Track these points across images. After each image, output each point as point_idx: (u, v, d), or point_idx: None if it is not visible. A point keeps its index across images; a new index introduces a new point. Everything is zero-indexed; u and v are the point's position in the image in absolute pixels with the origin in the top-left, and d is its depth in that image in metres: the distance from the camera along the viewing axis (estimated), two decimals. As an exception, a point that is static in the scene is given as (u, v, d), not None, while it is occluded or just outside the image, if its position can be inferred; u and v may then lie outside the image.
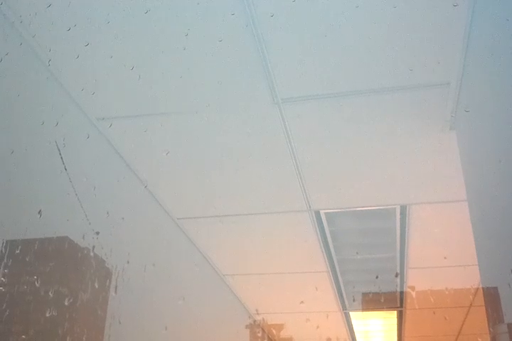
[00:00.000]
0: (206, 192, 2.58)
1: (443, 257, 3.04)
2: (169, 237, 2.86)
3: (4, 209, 1.64)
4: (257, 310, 4.05)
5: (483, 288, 2.48)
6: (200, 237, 2.97)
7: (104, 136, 2.17)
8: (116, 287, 2.16)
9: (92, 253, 2.03)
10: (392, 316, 4.01)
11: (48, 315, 1.79)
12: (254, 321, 4.20)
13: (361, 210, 2.70)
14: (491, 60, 1.59)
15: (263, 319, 4.20)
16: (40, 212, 1.73)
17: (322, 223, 2.78)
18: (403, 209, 2.63)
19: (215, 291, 3.52)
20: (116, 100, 2.02)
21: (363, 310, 3.94)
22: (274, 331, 4.38)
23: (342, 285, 3.54)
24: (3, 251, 1.68)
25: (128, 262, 2.26)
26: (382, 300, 3.71)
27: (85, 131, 2.11)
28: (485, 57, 1.64)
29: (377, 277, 3.30)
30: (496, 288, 1.80)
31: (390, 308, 3.86)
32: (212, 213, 2.74)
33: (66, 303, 1.88)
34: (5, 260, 1.69)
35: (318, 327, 4.11)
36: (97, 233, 2.00)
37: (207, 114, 2.08)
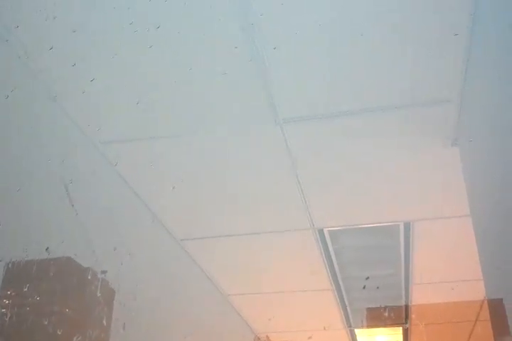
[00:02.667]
0: (209, 213, 2.58)
1: (447, 272, 3.03)
2: (172, 258, 2.85)
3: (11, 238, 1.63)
4: (261, 329, 4.03)
5: (488, 302, 2.47)
6: (203, 258, 2.96)
7: (106, 158, 2.18)
8: (120, 309, 2.15)
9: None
10: (397, 332, 3.98)
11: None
12: (259, 339, 4.17)
13: (365, 227, 2.69)
14: (491, 77, 1.61)
15: (267, 337, 4.17)
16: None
17: (326, 241, 2.78)
18: (407, 226, 2.63)
19: (220, 311, 3.50)
20: (121, 124, 2.03)
21: (368, 326, 3.92)
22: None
23: (347, 303, 3.52)
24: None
25: (131, 284, 2.24)
26: (387, 317, 3.69)
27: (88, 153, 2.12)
28: (485, 73, 1.66)
29: (378, 293, 3.29)
30: (501, 301, 1.80)
31: (395, 324, 3.83)
32: (215, 233, 2.73)
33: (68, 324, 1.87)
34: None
35: (323, 344, 4.08)
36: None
37: (209, 136, 2.09)
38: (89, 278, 2.02)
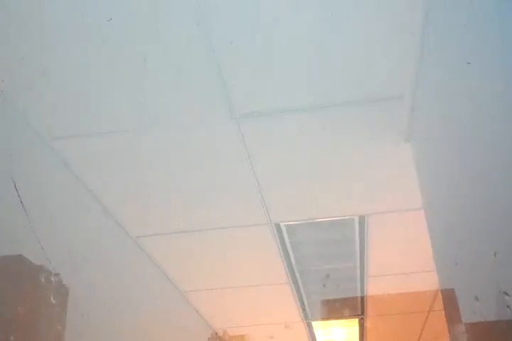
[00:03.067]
0: (164, 209, 2.55)
1: (402, 264, 3.09)
2: (128, 255, 2.81)
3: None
4: (219, 324, 4.03)
5: (441, 292, 2.53)
6: (159, 254, 2.93)
7: (58, 155, 2.12)
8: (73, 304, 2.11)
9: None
10: (354, 324, 4.05)
11: None
12: (216, 334, 4.17)
13: (321, 221, 2.72)
14: (443, 74, 1.64)
15: (225, 332, 4.17)
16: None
17: (282, 235, 2.79)
18: (361, 219, 2.67)
19: (177, 307, 3.48)
20: (69, 119, 1.97)
21: (325, 319, 3.97)
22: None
23: (304, 296, 3.55)
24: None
25: (85, 281, 2.20)
26: (343, 309, 3.75)
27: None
28: (438, 71, 1.69)
29: (334, 286, 3.33)
30: (452, 290, 1.85)
31: (352, 316, 3.89)
32: (171, 230, 2.71)
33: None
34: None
35: (282, 338, 4.11)
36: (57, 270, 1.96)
37: (164, 131, 2.06)
38: (41, 276, 1.97)
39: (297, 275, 3.26)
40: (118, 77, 1.80)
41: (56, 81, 1.80)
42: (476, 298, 1.52)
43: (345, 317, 3.90)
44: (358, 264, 3.11)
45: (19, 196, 1.85)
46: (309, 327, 4.11)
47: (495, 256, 1.31)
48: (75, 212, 2.28)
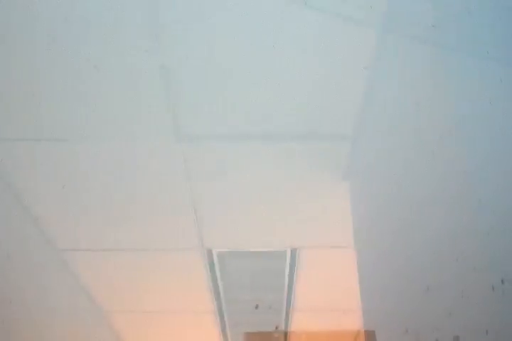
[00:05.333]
0: (96, 224, 2.48)
1: (328, 301, 3.10)
2: (49, 268, 2.70)
3: None
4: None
5: (364, 333, 2.55)
6: (84, 271, 2.83)
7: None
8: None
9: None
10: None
11: None
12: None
13: (253, 251, 2.71)
14: (389, 114, 1.69)
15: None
16: None
17: (213, 262, 2.76)
18: (293, 252, 2.67)
19: (95, 327, 3.35)
20: (6, 122, 1.91)
21: (247, 351, 3.91)
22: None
23: (227, 326, 3.50)
24: None
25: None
26: (266, 342, 3.70)
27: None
28: (384, 110, 1.74)
29: (260, 318, 3.30)
30: (373, 333, 1.86)
31: (274, 350, 3.85)
32: (100, 246, 2.63)
33: None
34: None
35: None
36: None
37: (104, 143, 2.02)
38: None
39: (223, 303, 3.21)
40: (65, 82, 1.76)
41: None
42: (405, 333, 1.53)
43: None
44: (284, 296, 3.10)
45: None
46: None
47: (427, 291, 1.33)
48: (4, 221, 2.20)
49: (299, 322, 3.44)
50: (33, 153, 2.04)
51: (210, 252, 2.68)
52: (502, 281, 1.03)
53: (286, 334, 3.61)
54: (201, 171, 2.16)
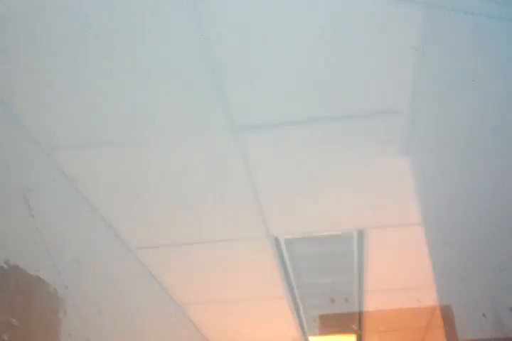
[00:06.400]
0: (162, 221, 2.54)
1: (400, 279, 3.08)
2: (126, 267, 2.80)
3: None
4: (216, 338, 3.99)
5: (440, 308, 2.52)
6: (157, 266, 2.92)
7: (58, 166, 2.13)
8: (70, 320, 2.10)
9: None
10: (351, 340, 4.01)
11: None
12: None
13: (320, 236, 2.71)
14: (442, 86, 1.65)
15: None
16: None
17: (281, 249, 2.78)
18: (360, 234, 2.66)
19: (174, 320, 3.45)
20: (67, 129, 1.98)
21: (322, 334, 3.93)
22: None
23: (301, 310, 3.53)
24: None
25: (82, 294, 2.19)
26: (340, 324, 3.72)
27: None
28: (437, 83, 1.70)
29: (333, 301, 3.31)
30: (450, 307, 1.84)
31: (349, 332, 3.86)
32: (169, 242, 2.70)
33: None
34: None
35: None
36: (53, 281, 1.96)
37: (163, 143, 2.06)
38: (37, 287, 1.96)
39: (295, 289, 3.24)
40: (117, 87, 1.80)
41: (57, 91, 1.81)
42: (482, 315, 1.51)
43: (343, 333, 3.86)
44: (356, 279, 3.10)
45: (30, 209, 1.87)
46: (306, 342, 4.07)
47: (500, 272, 1.31)
48: (73, 222, 2.28)
49: (373, 303, 3.43)
50: (97, 157, 2.11)
51: (277, 239, 2.71)
52: None
53: (360, 315, 3.61)
54: (261, 160, 2.17)
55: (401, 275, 3.02)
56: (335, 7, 1.55)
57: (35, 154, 2.04)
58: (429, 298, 2.82)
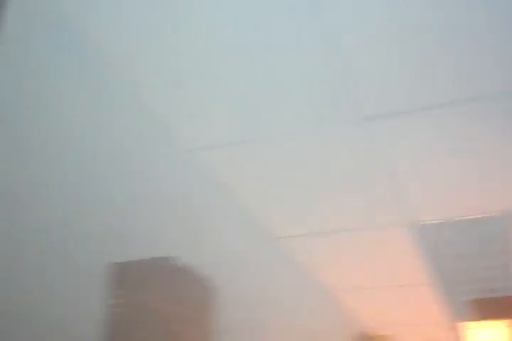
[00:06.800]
0: (306, 211, 2.64)
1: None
2: (271, 257, 2.93)
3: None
4: (365, 324, 4.05)
5: None
6: (304, 255, 3.03)
7: (201, 164, 2.31)
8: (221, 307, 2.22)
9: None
10: (504, 326, 3.87)
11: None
12: (362, 333, 4.20)
13: (463, 220, 2.66)
14: None
15: (371, 331, 4.18)
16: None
17: (424, 235, 2.77)
18: (506, 217, 2.58)
19: (323, 307, 3.55)
20: (210, 129, 2.14)
21: (471, 320, 3.84)
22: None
23: (449, 296, 3.48)
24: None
25: (231, 282, 2.32)
26: (493, 310, 3.61)
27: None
28: None
29: (492, 290, 3.22)
30: None
31: (502, 317, 3.73)
32: (313, 231, 2.80)
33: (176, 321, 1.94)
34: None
35: (428, 338, 4.04)
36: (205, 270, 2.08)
37: (299, 136, 2.15)
38: (188, 276, 2.08)
39: (441, 275, 3.21)
40: (250, 88, 1.91)
41: (199, 95, 1.98)
42: None
43: (494, 319, 3.74)
44: (502, 263, 3.00)
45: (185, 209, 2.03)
46: (456, 327, 4.00)
47: None
48: (220, 217, 2.44)
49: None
50: (239, 154, 2.25)
51: (419, 225, 2.70)
52: None
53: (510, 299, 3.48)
54: (394, 146, 2.19)
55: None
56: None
57: (180, 156, 2.21)
58: None
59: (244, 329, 2.40)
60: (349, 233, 2.80)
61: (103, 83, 1.83)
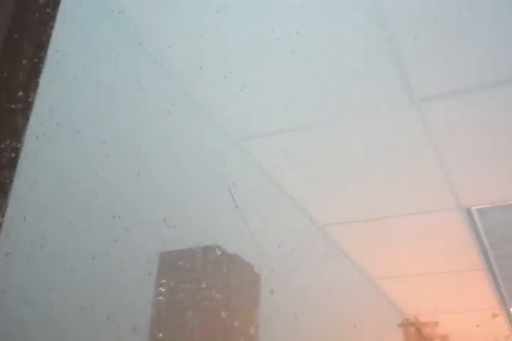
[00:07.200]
0: (351, 198, 2.59)
1: None
2: (316, 244, 2.90)
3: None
4: (410, 311, 3.98)
5: None
6: (348, 243, 2.98)
7: (249, 154, 2.27)
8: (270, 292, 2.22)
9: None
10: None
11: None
12: (407, 320, 4.13)
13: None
14: None
15: (416, 318, 4.11)
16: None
17: (474, 219, 2.68)
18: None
19: (367, 294, 3.51)
20: (257, 118, 2.09)
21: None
22: (428, 329, 4.27)
23: (500, 282, 3.37)
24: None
25: (274, 269, 2.30)
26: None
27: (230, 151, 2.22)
28: None
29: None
30: None
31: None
32: (358, 218, 2.74)
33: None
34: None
35: (478, 325, 3.94)
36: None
37: (346, 122, 2.09)
38: (236, 264, 2.09)
39: (492, 260, 3.10)
40: (304, 76, 1.86)
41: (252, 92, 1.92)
42: None
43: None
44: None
45: (233, 198, 2.03)
46: (508, 314, 3.88)
47: None
48: (264, 204, 2.41)
49: None
50: (283, 143, 2.20)
51: (469, 210, 2.61)
52: None
53: None
54: (444, 130, 2.10)
55: None
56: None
57: (229, 145, 2.19)
58: None
59: (288, 316, 2.39)
60: (396, 219, 2.72)
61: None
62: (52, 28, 1.12)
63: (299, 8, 1.62)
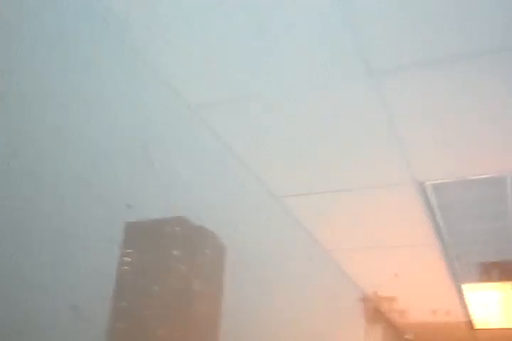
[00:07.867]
0: (308, 170, 2.59)
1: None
2: (273, 215, 2.91)
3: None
4: (368, 285, 4.05)
5: None
6: (303, 214, 3.00)
7: (205, 122, 2.25)
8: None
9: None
10: (509, 288, 3.85)
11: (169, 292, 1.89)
12: (366, 295, 4.21)
13: (469, 180, 2.59)
14: None
15: (375, 293, 4.19)
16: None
17: (427, 195, 2.71)
18: (514, 177, 2.50)
19: (323, 267, 3.55)
20: (213, 86, 2.06)
21: (476, 282, 3.82)
22: (385, 304, 4.37)
23: (453, 258, 3.45)
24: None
25: (237, 241, 2.32)
26: (497, 272, 3.58)
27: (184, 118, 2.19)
28: None
29: (497, 252, 3.17)
30: None
31: (507, 280, 3.71)
32: (314, 190, 2.76)
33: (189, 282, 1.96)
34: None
35: (429, 300, 4.04)
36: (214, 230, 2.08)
37: (300, 93, 2.08)
38: (201, 236, 2.09)
39: (445, 236, 3.16)
40: (259, 43, 1.84)
41: (198, 49, 1.89)
42: None
43: (499, 280, 3.72)
44: (508, 225, 2.94)
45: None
46: (459, 289, 3.99)
47: None
48: (225, 177, 2.41)
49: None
50: (238, 111, 2.18)
51: (423, 185, 2.64)
52: None
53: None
54: (400, 103, 2.11)
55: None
56: None
57: (183, 112, 2.16)
58: None
59: (252, 286, 2.42)
60: (351, 192, 2.75)
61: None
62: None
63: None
